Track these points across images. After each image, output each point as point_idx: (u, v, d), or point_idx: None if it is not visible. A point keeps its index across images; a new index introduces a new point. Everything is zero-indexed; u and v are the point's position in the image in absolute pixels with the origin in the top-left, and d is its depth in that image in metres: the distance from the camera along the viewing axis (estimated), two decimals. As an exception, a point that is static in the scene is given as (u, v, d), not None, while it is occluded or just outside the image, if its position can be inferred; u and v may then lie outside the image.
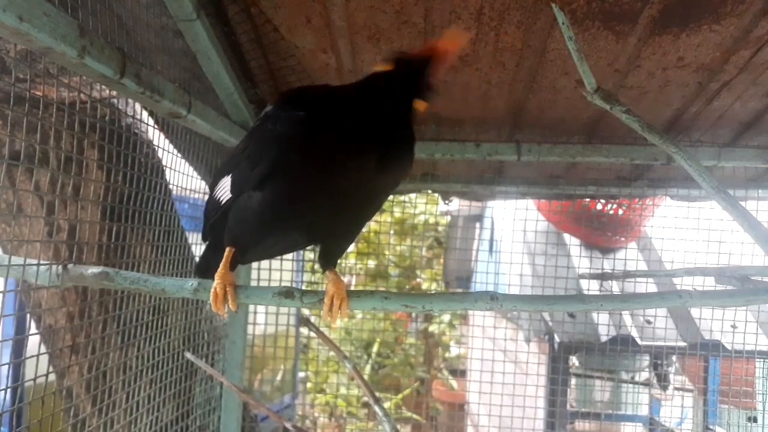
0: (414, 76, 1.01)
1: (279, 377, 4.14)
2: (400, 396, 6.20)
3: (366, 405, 5.67)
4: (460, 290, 5.60)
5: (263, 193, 1.01)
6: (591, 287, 2.95)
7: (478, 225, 5.12)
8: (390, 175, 1.02)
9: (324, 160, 0.96)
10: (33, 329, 1.76)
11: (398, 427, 1.32)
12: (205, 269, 1.25)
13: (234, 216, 1.09)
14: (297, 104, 1.01)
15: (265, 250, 1.25)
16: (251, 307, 2.21)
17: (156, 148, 1.71)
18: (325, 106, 0.99)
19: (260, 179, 1.01)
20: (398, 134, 1.01)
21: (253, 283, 2.27)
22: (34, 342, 1.68)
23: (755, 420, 3.42)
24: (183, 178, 1.77)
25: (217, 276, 1.09)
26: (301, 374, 4.76)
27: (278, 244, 1.18)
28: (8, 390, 1.17)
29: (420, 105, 1.03)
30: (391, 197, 2.60)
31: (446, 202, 2.71)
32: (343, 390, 5.49)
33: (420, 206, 5.28)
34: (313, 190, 0.99)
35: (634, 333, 2.84)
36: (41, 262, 1.10)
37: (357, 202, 1.04)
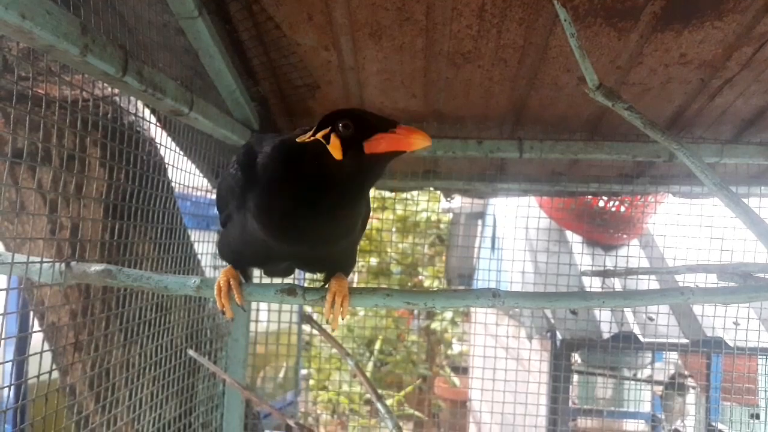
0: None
1: (281, 374, 4.15)
2: (402, 393, 6.21)
3: (368, 402, 5.68)
4: (462, 287, 5.60)
5: (228, 230, 1.12)
6: (593, 284, 2.95)
7: (480, 222, 5.12)
8: (325, 231, 0.97)
9: (257, 215, 0.97)
10: (36, 327, 1.76)
11: (400, 424, 1.32)
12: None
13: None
14: (247, 156, 1.02)
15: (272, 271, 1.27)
16: (254, 305, 2.21)
17: (158, 145, 1.71)
18: (261, 166, 0.98)
19: (224, 220, 1.13)
20: (327, 201, 0.93)
21: (256, 281, 2.27)
22: (37, 339, 1.69)
23: (758, 417, 3.42)
24: (185, 176, 1.77)
25: (222, 272, 1.10)
26: (304, 371, 4.77)
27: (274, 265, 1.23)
28: (12, 387, 1.17)
29: (335, 150, 0.90)
30: (392, 195, 2.60)
31: (448, 199, 2.71)
32: (345, 387, 5.50)
33: (422, 204, 5.27)
34: (256, 240, 1.02)
35: (637, 330, 2.84)
36: (44, 259, 1.10)
37: (311, 249, 1.03)
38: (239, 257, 1.13)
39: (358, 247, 1.28)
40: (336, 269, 1.13)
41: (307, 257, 1.09)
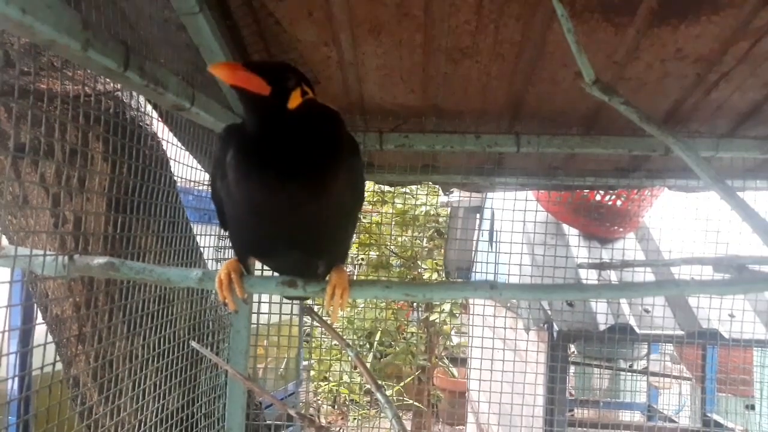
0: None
1: (283, 366, 4.19)
2: (401, 384, 6.25)
3: (368, 392, 5.73)
4: (460, 280, 5.62)
5: (230, 220, 1.17)
6: (589, 277, 2.97)
7: (478, 216, 5.13)
8: (308, 181, 1.02)
9: (240, 187, 1.06)
10: (40, 319, 1.79)
11: (400, 414, 1.35)
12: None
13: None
14: (224, 140, 1.12)
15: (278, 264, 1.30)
16: (255, 297, 2.24)
17: (160, 140, 1.72)
18: (237, 140, 1.07)
19: (219, 210, 1.19)
20: (299, 144, 1.01)
21: (257, 273, 2.29)
22: (41, 331, 1.71)
23: (753, 408, 3.46)
24: (187, 170, 1.79)
25: (224, 264, 1.12)
26: (305, 363, 4.81)
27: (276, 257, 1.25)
28: (16, 378, 1.20)
29: (294, 100, 1.02)
30: (392, 189, 2.62)
31: (446, 193, 2.72)
32: (345, 378, 5.54)
33: (421, 197, 5.30)
34: (248, 214, 1.08)
35: (632, 322, 2.87)
36: (47, 253, 1.12)
37: (303, 217, 1.05)
38: (240, 241, 1.18)
39: (358, 237, 1.31)
40: (334, 255, 1.16)
41: (301, 226, 1.08)
